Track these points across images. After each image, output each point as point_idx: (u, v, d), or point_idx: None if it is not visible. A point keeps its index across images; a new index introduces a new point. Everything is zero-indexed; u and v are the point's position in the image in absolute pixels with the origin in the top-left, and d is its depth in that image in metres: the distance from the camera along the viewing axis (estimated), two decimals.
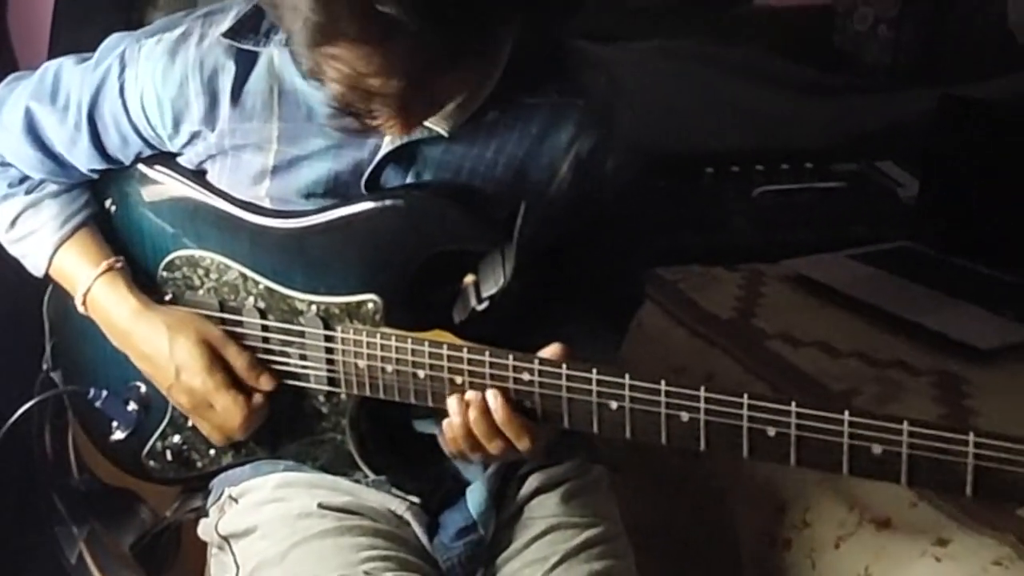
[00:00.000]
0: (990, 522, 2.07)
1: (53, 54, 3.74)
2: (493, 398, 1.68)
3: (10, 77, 2.04)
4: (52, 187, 2.01)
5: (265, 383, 1.88)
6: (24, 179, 2.01)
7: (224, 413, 1.87)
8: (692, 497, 2.52)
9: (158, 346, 1.89)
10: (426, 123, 1.76)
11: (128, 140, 1.91)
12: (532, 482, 1.99)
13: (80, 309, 1.98)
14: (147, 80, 1.84)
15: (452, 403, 1.71)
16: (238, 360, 1.87)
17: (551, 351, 1.69)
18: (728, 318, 2.99)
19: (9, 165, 2.00)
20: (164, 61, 1.83)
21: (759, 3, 5.11)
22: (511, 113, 1.81)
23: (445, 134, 1.79)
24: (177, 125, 1.86)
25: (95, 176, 2.01)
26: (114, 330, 1.96)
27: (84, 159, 1.95)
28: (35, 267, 2.02)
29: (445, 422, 1.73)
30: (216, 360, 1.87)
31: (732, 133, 4.04)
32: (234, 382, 1.87)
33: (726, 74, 4.36)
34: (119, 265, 1.95)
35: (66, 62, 1.96)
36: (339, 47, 1.49)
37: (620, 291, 2.09)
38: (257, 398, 1.88)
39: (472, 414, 1.69)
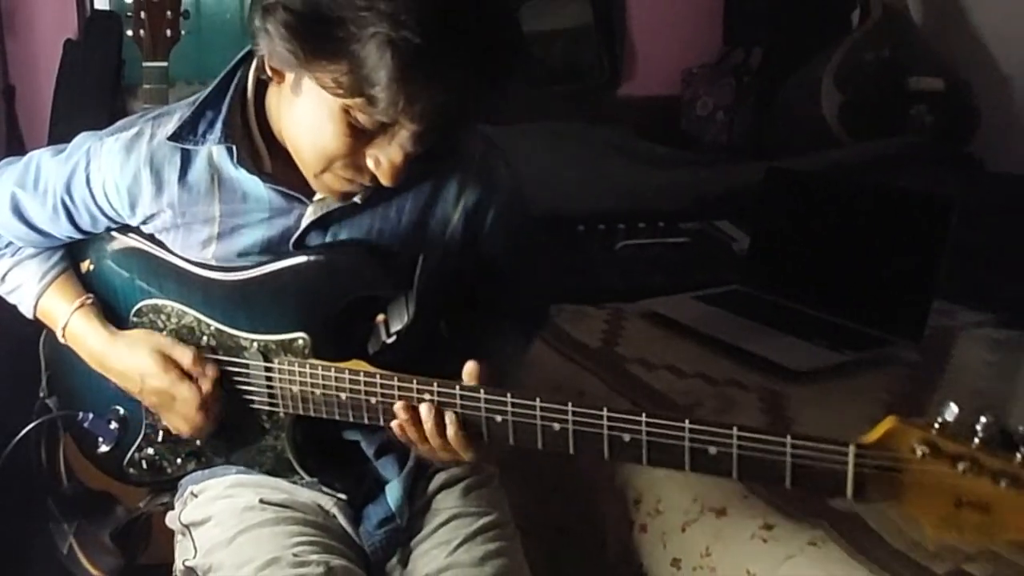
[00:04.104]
0: (807, 510, 2.09)
1: (53, 134, 3.76)
2: (449, 418, 1.70)
3: (3, 162, 2.05)
4: (31, 249, 2.03)
5: (210, 371, 1.89)
6: (9, 243, 2.03)
7: (184, 403, 1.88)
8: (566, 491, 2.52)
9: (125, 362, 1.92)
10: None
11: (96, 218, 1.94)
12: (438, 479, 2.03)
13: (61, 340, 2.00)
14: (107, 171, 1.87)
15: (398, 408, 1.72)
16: (184, 357, 1.88)
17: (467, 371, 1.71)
18: (595, 346, 2.98)
19: None
20: (121, 156, 1.86)
21: (622, 93, 5.13)
22: (408, 177, 1.78)
23: (359, 201, 1.81)
24: (133, 207, 1.89)
25: (73, 240, 2.03)
26: (90, 355, 1.98)
27: (63, 232, 1.98)
28: (26, 312, 2.05)
29: (394, 423, 1.74)
30: (168, 361, 1.88)
31: (600, 197, 4.05)
32: (187, 376, 1.88)
33: (595, 150, 4.38)
34: (89, 302, 1.98)
35: (45, 154, 1.97)
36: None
37: (527, 312, 2.14)
38: (206, 386, 1.88)
39: (428, 425, 1.70)
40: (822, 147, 4.32)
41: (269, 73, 1.71)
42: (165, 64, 2.84)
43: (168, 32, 2.83)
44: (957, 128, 4.42)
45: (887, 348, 2.91)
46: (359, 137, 1.64)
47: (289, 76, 1.68)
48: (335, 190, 1.77)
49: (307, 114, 1.67)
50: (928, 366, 2.86)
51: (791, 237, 3.35)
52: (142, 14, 2.82)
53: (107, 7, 4.42)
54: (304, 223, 1.83)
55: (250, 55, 1.83)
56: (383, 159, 1.66)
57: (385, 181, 1.68)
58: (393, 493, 1.96)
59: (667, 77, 5.18)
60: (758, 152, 4.68)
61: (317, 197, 1.83)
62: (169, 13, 2.82)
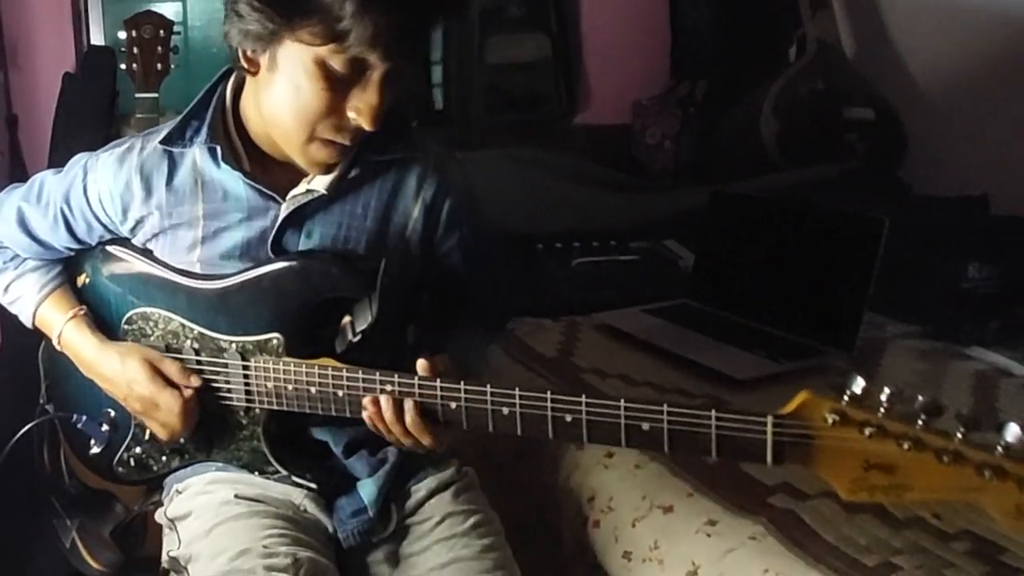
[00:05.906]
0: (748, 507, 2.11)
1: (52, 159, 3.78)
2: (408, 406, 1.75)
3: (10, 187, 2.11)
4: (32, 263, 2.09)
5: (194, 381, 1.93)
6: (13, 257, 2.09)
7: (167, 409, 1.92)
8: (527, 490, 2.53)
9: (114, 368, 1.96)
10: (309, 185, 1.88)
11: (92, 226, 2.00)
12: (427, 486, 2.06)
13: (56, 347, 2.05)
14: (103, 181, 1.94)
15: (365, 402, 1.77)
16: (171, 368, 1.93)
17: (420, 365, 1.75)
18: (552, 356, 2.99)
19: (5, 248, 2.09)
20: (115, 167, 1.94)
21: (578, 122, 5.15)
22: (369, 171, 1.91)
23: (325, 192, 1.87)
24: (125, 213, 1.94)
25: (71, 254, 2.08)
26: (82, 361, 2.02)
27: (61, 242, 2.04)
28: (25, 320, 2.10)
29: (364, 414, 1.79)
30: (155, 371, 1.93)
31: (556, 218, 4.04)
32: (171, 385, 1.92)
33: (552, 174, 4.38)
34: (82, 313, 2.03)
35: (48, 173, 2.05)
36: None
37: (484, 312, 2.17)
38: (188, 394, 1.93)
39: (387, 415, 1.76)
40: (762, 172, 4.34)
41: (245, 65, 1.79)
42: (156, 95, 2.88)
43: (159, 66, 2.87)
44: (887, 154, 4.44)
45: (822, 357, 2.92)
46: (337, 88, 1.72)
47: (264, 59, 1.76)
48: (320, 162, 1.83)
49: (286, 83, 1.74)
50: (859, 374, 2.87)
51: (733, 255, 3.37)
52: (135, 49, 2.86)
53: (103, 43, 4.44)
54: (279, 221, 1.89)
55: (227, 73, 1.92)
56: (362, 105, 1.73)
57: (367, 125, 1.74)
58: (367, 489, 2.00)
59: (619, 108, 5.19)
60: (702, 177, 4.68)
61: (290, 195, 1.90)
62: (160, 48, 2.87)
